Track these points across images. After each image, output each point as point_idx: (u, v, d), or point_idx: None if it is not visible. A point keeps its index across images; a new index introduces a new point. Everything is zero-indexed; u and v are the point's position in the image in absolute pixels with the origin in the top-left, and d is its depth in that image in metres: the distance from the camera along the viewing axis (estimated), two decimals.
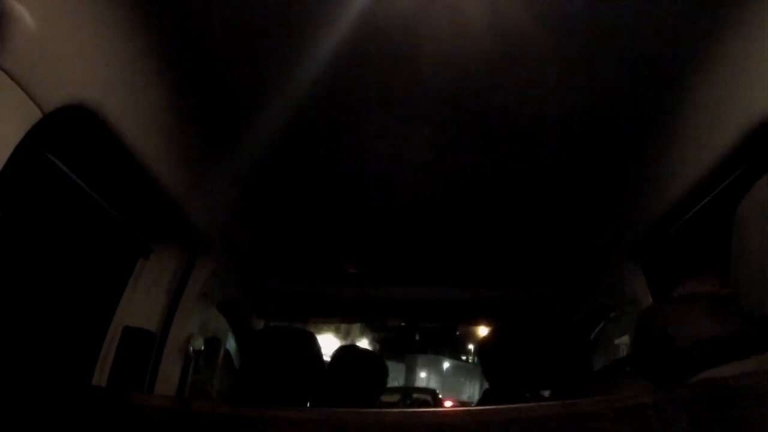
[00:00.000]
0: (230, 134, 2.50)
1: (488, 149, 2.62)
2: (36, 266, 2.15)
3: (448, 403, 18.80)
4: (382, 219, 3.33)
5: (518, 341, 2.81)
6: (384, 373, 3.08)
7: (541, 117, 2.39)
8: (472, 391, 29.74)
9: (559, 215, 3.23)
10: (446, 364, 32.18)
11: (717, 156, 2.02)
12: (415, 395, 17.89)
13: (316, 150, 2.69)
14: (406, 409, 3.91)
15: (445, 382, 31.18)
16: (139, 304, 2.63)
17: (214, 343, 3.78)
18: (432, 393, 19.51)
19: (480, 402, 3.03)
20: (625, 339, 4.15)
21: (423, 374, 30.98)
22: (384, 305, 4.81)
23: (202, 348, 3.00)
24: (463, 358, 32.23)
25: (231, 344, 4.14)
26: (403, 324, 5.74)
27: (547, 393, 2.65)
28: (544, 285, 4.25)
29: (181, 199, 2.41)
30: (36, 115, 1.37)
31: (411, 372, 29.76)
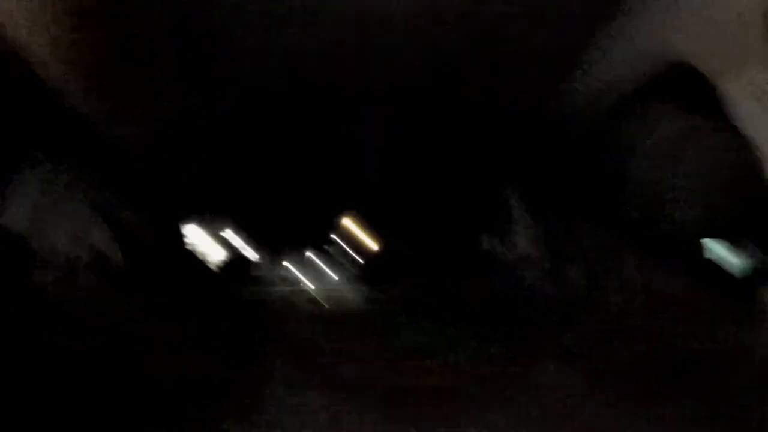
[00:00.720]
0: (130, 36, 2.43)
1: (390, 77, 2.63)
2: None
3: None
4: (294, 147, 3.32)
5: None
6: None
7: (469, 45, 2.40)
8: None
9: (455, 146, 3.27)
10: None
11: (621, 88, 2.09)
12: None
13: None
14: (271, 289, 3.89)
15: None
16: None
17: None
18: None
19: None
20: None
21: None
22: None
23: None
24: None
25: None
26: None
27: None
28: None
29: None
30: None
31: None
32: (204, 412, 4.60)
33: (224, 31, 2.41)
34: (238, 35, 2.55)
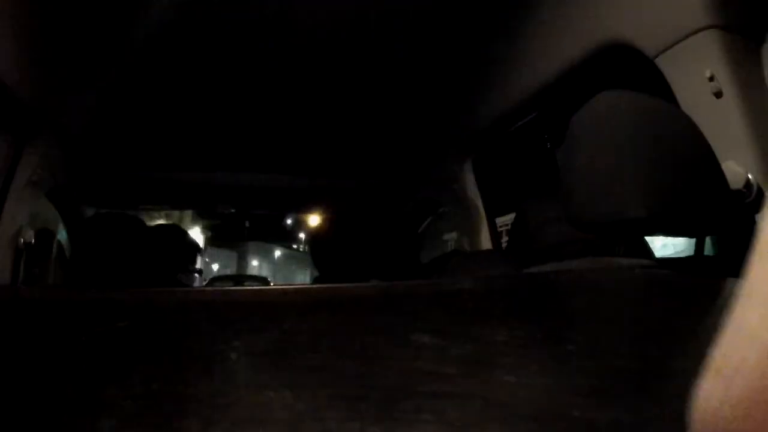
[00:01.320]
0: (63, 14, 2.39)
1: (333, 35, 2.60)
2: None
3: None
4: (214, 102, 3.27)
5: (347, 230, 2.87)
6: (184, 243, 3.00)
7: (391, 7, 2.39)
8: (303, 279, 30.00)
9: (394, 107, 3.26)
10: (277, 253, 32.24)
11: (560, 69, 2.10)
12: (246, 283, 17.90)
13: (144, 30, 2.61)
14: (228, 287, 3.89)
15: (276, 271, 31.27)
16: None
17: (45, 234, 3.68)
18: (263, 280, 19.57)
19: None
20: (452, 235, 4.29)
21: (255, 262, 30.95)
22: (214, 191, 4.78)
23: (33, 240, 2.92)
24: (294, 246, 32.31)
25: (63, 235, 4.05)
26: (233, 210, 5.71)
27: (375, 282, 2.72)
28: (375, 176, 4.31)
29: (10, 83, 2.31)
30: None
31: (242, 260, 29.69)
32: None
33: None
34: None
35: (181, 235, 2.96)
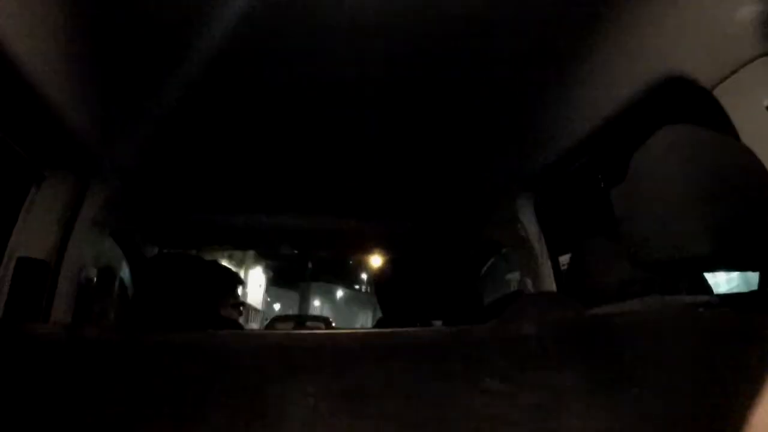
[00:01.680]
0: (128, 60, 2.44)
1: (388, 76, 2.62)
2: None
3: None
4: (278, 145, 3.30)
5: (412, 272, 2.87)
6: (223, 277, 3.00)
7: (447, 47, 2.40)
8: (365, 320, 30.03)
9: (456, 149, 3.26)
10: (339, 293, 32.39)
11: (619, 105, 2.09)
12: (308, 323, 17.96)
13: (215, 84, 2.65)
14: (289, 331, 3.89)
15: (338, 311, 31.35)
16: (32, 234, 2.58)
17: (108, 273, 3.73)
18: (325, 321, 19.64)
19: None
20: (515, 275, 4.26)
21: (317, 303, 31.11)
22: (277, 233, 4.81)
23: (96, 277, 2.96)
24: (356, 287, 32.41)
25: (126, 274, 4.10)
26: (295, 252, 5.74)
27: (438, 323, 2.71)
28: (439, 218, 4.31)
29: (74, 124, 2.36)
30: None
31: (305, 300, 29.85)
32: None
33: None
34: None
35: (220, 270, 2.97)
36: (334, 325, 20.16)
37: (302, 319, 19.30)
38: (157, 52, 2.37)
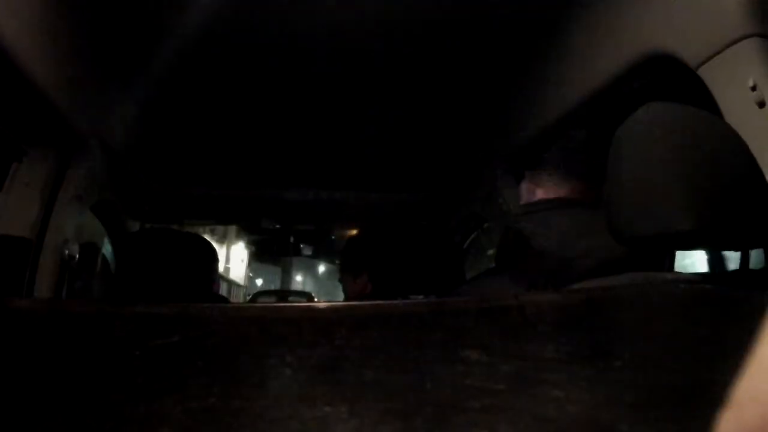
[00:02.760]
0: (109, 35, 2.43)
1: (366, 47, 2.61)
2: None
3: None
4: (258, 118, 3.29)
5: (393, 246, 2.88)
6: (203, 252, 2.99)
7: (427, 21, 2.40)
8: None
9: (438, 123, 3.26)
10: (322, 268, 32.27)
11: (603, 81, 2.10)
12: (291, 298, 17.89)
13: (199, 56, 2.64)
14: (268, 303, 3.88)
15: (321, 286, 31.27)
16: (14, 211, 2.57)
17: (90, 248, 3.72)
18: (308, 296, 19.58)
19: None
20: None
21: (299, 278, 31.00)
22: (259, 207, 4.81)
23: (78, 253, 2.95)
24: (338, 262, 32.36)
25: (108, 249, 4.09)
26: (278, 226, 5.71)
27: (420, 298, 2.72)
28: (421, 191, 4.31)
29: (55, 98, 2.34)
30: None
31: (287, 275, 29.74)
32: None
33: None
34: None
35: (204, 244, 2.97)
36: (316, 299, 20.12)
37: (285, 294, 19.22)
38: (141, 23, 2.37)
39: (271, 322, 0.98)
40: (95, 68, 2.56)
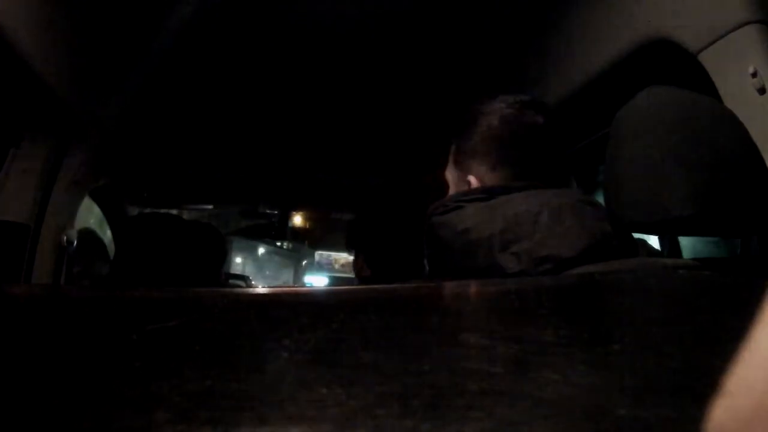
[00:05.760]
0: (107, 18, 2.42)
1: (373, 34, 2.61)
2: None
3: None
4: (256, 102, 3.29)
5: (385, 231, 2.89)
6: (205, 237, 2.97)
7: (431, 17, 2.40)
8: (287, 277, 29.93)
9: (433, 105, 3.26)
10: (261, 250, 31.68)
11: (604, 64, 2.09)
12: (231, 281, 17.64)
13: (196, 38, 2.64)
14: (266, 289, 3.88)
15: (259, 268, 30.66)
16: (12, 196, 2.57)
17: (88, 234, 3.72)
18: (245, 279, 19.43)
19: None
20: None
21: (238, 259, 30.47)
22: (257, 191, 4.80)
23: (76, 239, 2.96)
24: (278, 243, 31.74)
25: (106, 234, 4.10)
26: (275, 211, 5.72)
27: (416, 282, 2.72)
28: (415, 174, 4.31)
29: (53, 84, 2.34)
30: None
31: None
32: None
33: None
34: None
35: (202, 230, 2.96)
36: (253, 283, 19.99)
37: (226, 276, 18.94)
38: (140, 9, 2.36)
39: (267, 306, 0.98)
40: (93, 53, 2.55)
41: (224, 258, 3.11)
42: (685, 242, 2.65)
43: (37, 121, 2.62)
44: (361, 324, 0.84)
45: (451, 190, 1.76)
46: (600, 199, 1.43)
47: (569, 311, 0.95)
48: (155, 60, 2.73)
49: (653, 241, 1.68)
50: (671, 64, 1.83)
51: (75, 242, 2.94)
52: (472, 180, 1.63)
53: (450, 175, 1.79)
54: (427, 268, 1.66)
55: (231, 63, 2.85)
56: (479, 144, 1.63)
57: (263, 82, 3.05)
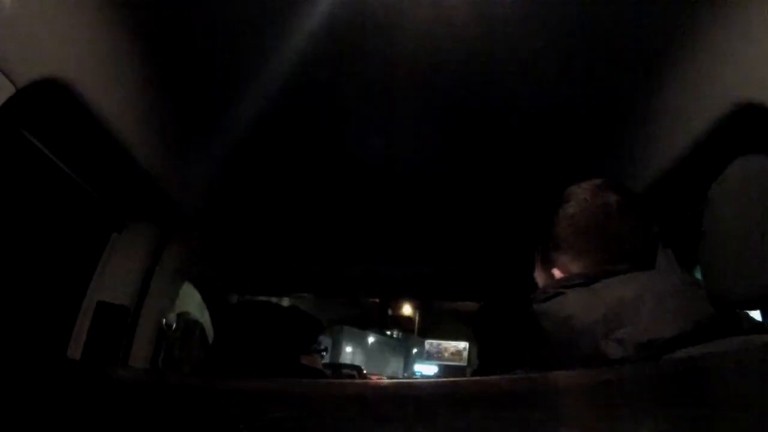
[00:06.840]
0: (209, 111, 2.48)
1: (471, 131, 2.62)
2: (9, 242, 2.14)
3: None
4: (357, 199, 3.32)
5: (506, 318, 2.86)
6: (305, 324, 2.96)
7: (523, 105, 2.40)
8: (396, 367, 29.85)
9: (531, 194, 3.24)
10: (371, 339, 31.58)
11: (691, 138, 2.04)
12: (344, 371, 17.80)
13: (294, 133, 2.68)
14: (369, 381, 3.88)
15: (369, 358, 30.51)
16: (113, 280, 2.62)
17: (187, 319, 3.77)
18: (358, 369, 19.48)
19: None
20: None
21: (348, 349, 30.38)
22: (356, 281, 4.82)
23: (175, 323, 2.99)
24: (388, 333, 31.70)
25: (206, 320, 4.14)
26: (377, 300, 5.76)
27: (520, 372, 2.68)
28: (525, 263, 4.26)
29: (156, 175, 2.40)
30: (9, 89, 1.36)
31: (337, 346, 29.03)
32: None
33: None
34: None
35: (301, 317, 2.95)
36: (365, 372, 20.03)
37: (336, 367, 19.13)
38: (235, 98, 2.42)
39: (372, 399, 0.97)
40: (195, 146, 2.62)
41: (318, 344, 3.11)
42: None
43: (139, 210, 2.69)
44: (464, 419, 0.83)
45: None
46: (698, 274, 1.37)
47: (669, 400, 0.91)
48: (257, 152, 2.78)
49: (755, 313, 1.60)
50: (761, 130, 1.77)
51: (174, 326, 2.98)
52: (556, 273, 1.59)
53: (537, 275, 1.76)
54: (529, 356, 1.63)
55: (333, 154, 2.89)
56: (560, 234, 1.59)
57: (366, 175, 3.07)
